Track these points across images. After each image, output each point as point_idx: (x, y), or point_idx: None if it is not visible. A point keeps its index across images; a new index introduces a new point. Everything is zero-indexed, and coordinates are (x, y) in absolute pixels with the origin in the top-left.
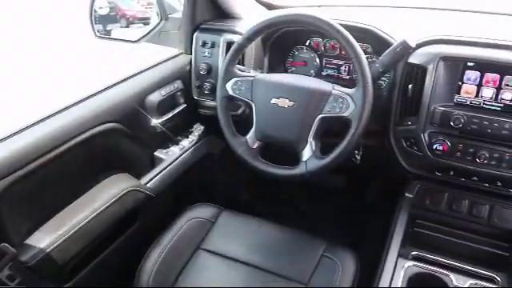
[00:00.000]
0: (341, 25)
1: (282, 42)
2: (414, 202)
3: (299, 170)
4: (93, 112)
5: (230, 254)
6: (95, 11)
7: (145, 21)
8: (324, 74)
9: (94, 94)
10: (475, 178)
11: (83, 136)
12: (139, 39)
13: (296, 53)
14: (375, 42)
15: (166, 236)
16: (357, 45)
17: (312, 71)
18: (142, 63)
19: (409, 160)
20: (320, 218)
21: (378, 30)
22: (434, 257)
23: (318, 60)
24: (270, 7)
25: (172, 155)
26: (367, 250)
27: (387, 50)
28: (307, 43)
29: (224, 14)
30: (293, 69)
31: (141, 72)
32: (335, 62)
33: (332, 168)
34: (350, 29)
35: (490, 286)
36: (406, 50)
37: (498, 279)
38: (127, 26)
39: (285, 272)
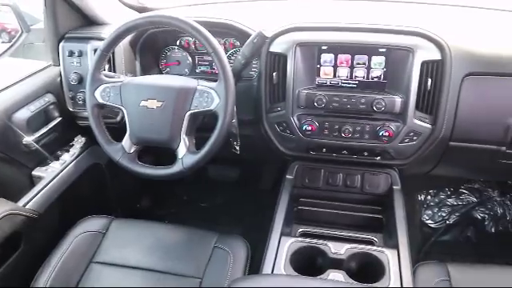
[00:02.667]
0: (201, 22)
1: (153, 44)
2: (294, 182)
3: (176, 167)
4: None
5: (124, 262)
6: None
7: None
8: (198, 71)
9: None
10: (345, 152)
11: None
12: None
13: (168, 53)
14: (239, 36)
15: (54, 256)
16: (213, 39)
17: (186, 70)
18: (5, 79)
19: (285, 143)
20: (218, 211)
21: (237, 24)
22: (319, 230)
23: (190, 58)
24: (142, 10)
25: (52, 172)
26: (259, 234)
27: (246, 42)
28: (178, 43)
29: (91, 21)
30: (167, 69)
31: (4, 89)
32: (207, 58)
33: (207, 161)
34: (211, 25)
35: (366, 246)
36: (263, 40)
37: (376, 240)
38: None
39: (180, 270)
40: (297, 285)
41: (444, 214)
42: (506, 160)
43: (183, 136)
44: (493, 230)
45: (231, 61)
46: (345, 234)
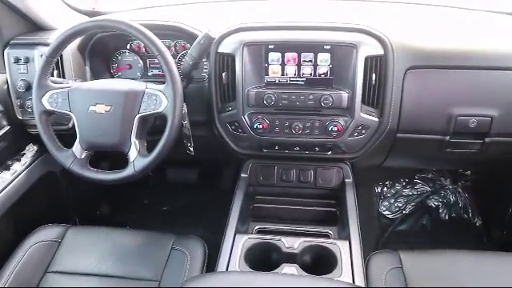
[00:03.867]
0: (148, 25)
1: (103, 48)
2: (249, 180)
3: (128, 171)
4: None
5: (81, 270)
6: None
7: None
8: (150, 74)
9: None
10: (297, 148)
11: None
12: None
13: (119, 57)
14: (189, 38)
15: (7, 268)
16: (159, 42)
17: (138, 73)
18: None
19: (238, 142)
20: (180, 214)
21: (184, 26)
22: (275, 226)
23: (141, 62)
24: (92, 14)
25: (2, 182)
26: (218, 234)
27: (193, 44)
28: (128, 47)
29: (38, 27)
30: (119, 74)
31: None
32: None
33: (159, 163)
34: (159, 28)
35: (319, 239)
36: (210, 41)
37: (331, 233)
38: None
39: (137, 274)
40: (247, 280)
41: (400, 205)
42: (451, 149)
43: (134, 139)
44: (446, 217)
45: (182, 63)
46: (301, 228)
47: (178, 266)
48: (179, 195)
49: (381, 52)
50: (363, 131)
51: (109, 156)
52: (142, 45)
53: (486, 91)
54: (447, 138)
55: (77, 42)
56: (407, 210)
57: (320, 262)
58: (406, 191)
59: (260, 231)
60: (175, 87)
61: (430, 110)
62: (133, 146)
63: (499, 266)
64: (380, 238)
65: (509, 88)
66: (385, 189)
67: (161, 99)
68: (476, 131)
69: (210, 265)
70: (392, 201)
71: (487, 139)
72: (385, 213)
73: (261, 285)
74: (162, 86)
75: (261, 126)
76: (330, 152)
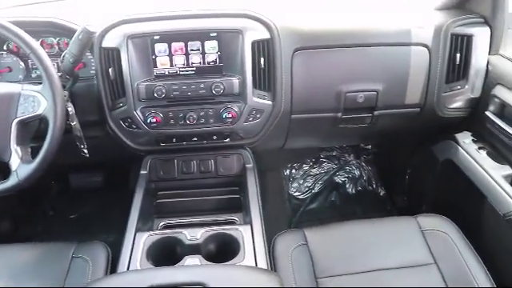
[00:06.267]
0: (20, 22)
1: None
2: (149, 176)
3: (11, 181)
4: None
5: None
6: None
7: None
8: (34, 75)
9: None
10: (195, 139)
11: None
12: None
13: None
14: (70, 34)
15: None
16: (29, 39)
17: (20, 76)
18: None
19: (134, 139)
20: (89, 220)
21: (60, 21)
22: (181, 220)
23: (22, 63)
24: None
25: None
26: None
27: (72, 40)
28: (5, 47)
29: None
30: None
31: None
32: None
33: (46, 168)
34: (32, 24)
35: (220, 227)
36: (89, 35)
37: (237, 219)
38: None
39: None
40: (144, 278)
41: (309, 184)
42: (344, 124)
43: (14, 146)
44: (353, 190)
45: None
46: (206, 219)
47: (81, 274)
48: (86, 201)
49: (267, 36)
50: (258, 115)
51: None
52: None
53: (370, 67)
54: (339, 114)
55: None
56: (316, 189)
57: (224, 250)
58: (314, 171)
59: (166, 227)
60: (53, 86)
61: (320, 89)
62: (14, 154)
63: (393, 228)
64: (292, 218)
65: (390, 63)
66: (293, 171)
67: (39, 100)
68: (365, 106)
69: (115, 268)
70: (301, 181)
71: (376, 112)
72: (295, 194)
73: (158, 280)
74: (39, 87)
75: (154, 120)
76: (228, 139)
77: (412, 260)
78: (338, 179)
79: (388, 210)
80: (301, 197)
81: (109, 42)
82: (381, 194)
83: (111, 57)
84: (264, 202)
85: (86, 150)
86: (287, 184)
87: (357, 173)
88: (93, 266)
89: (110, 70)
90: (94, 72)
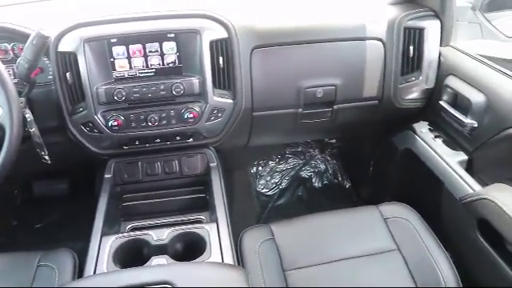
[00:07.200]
0: None
1: None
2: (114, 180)
3: None
4: None
5: None
6: None
7: None
8: None
9: None
10: (158, 140)
11: None
12: None
13: None
14: (22, 39)
15: None
16: None
17: None
18: None
19: (96, 143)
20: (55, 229)
21: (12, 26)
22: (148, 222)
23: None
24: None
25: None
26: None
27: (26, 45)
28: None
29: None
30: None
31: None
32: None
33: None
34: None
35: (187, 226)
36: (43, 40)
37: (203, 218)
38: None
39: None
40: (109, 280)
41: (276, 180)
42: (306, 120)
43: None
44: (320, 184)
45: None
46: (174, 219)
47: (46, 283)
48: (52, 209)
49: (225, 35)
50: (219, 114)
51: None
52: None
53: (328, 62)
54: (300, 110)
55: None
56: (283, 185)
57: (191, 248)
58: (280, 167)
59: (133, 229)
60: (8, 93)
61: (280, 85)
62: None
63: (357, 218)
64: (261, 215)
65: (347, 58)
66: (260, 168)
67: None
68: (324, 100)
69: (82, 274)
70: (268, 178)
71: (335, 106)
72: (263, 191)
73: (124, 282)
74: None
75: (116, 123)
76: (191, 139)
77: (376, 247)
78: (305, 174)
79: (354, 202)
80: (268, 193)
81: (65, 46)
82: (346, 187)
83: (68, 61)
84: (232, 199)
85: (47, 157)
86: (255, 181)
87: (322, 167)
88: (59, 273)
89: (68, 74)
90: (51, 77)
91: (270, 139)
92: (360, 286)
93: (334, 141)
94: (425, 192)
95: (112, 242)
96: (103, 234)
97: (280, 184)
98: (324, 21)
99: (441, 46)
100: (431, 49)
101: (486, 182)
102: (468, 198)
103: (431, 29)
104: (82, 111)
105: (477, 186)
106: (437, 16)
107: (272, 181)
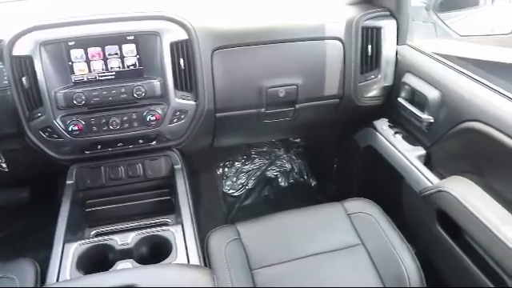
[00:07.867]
0: None
1: None
2: (76, 186)
3: None
4: None
5: None
6: None
7: None
8: None
9: None
10: (120, 144)
11: None
12: None
13: None
14: None
15: None
16: None
17: None
18: None
19: (56, 149)
20: (18, 239)
21: None
22: (113, 227)
23: None
24: None
25: None
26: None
27: None
28: None
29: None
30: None
31: None
32: None
33: None
34: None
35: (152, 230)
36: None
37: (169, 220)
38: None
39: None
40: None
41: (243, 181)
42: (269, 119)
43: None
44: (286, 184)
45: None
46: (139, 223)
47: None
48: (13, 219)
49: (185, 37)
50: (182, 116)
51: None
52: None
53: (288, 62)
54: (263, 110)
55: None
56: (250, 185)
57: (157, 251)
58: (246, 167)
59: (97, 235)
60: None
61: (242, 86)
62: None
63: (322, 214)
64: (228, 216)
65: (307, 57)
66: (226, 169)
67: None
68: (286, 100)
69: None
70: (234, 179)
71: (297, 106)
72: (229, 192)
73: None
74: None
75: (76, 128)
76: (154, 142)
77: (340, 243)
78: (271, 174)
79: (319, 200)
80: (235, 194)
81: (20, 49)
82: (312, 185)
83: (24, 65)
84: (199, 201)
85: (4, 165)
86: (221, 182)
87: (288, 166)
88: (20, 284)
89: (24, 79)
90: (7, 82)
91: (234, 140)
92: (326, 280)
93: (298, 140)
94: (387, 187)
95: (75, 249)
96: (66, 241)
97: (246, 184)
98: (284, 21)
99: (398, 44)
100: (388, 47)
101: (444, 175)
102: (427, 191)
103: (388, 28)
104: (40, 116)
105: (435, 180)
106: (393, 16)
107: (238, 181)
